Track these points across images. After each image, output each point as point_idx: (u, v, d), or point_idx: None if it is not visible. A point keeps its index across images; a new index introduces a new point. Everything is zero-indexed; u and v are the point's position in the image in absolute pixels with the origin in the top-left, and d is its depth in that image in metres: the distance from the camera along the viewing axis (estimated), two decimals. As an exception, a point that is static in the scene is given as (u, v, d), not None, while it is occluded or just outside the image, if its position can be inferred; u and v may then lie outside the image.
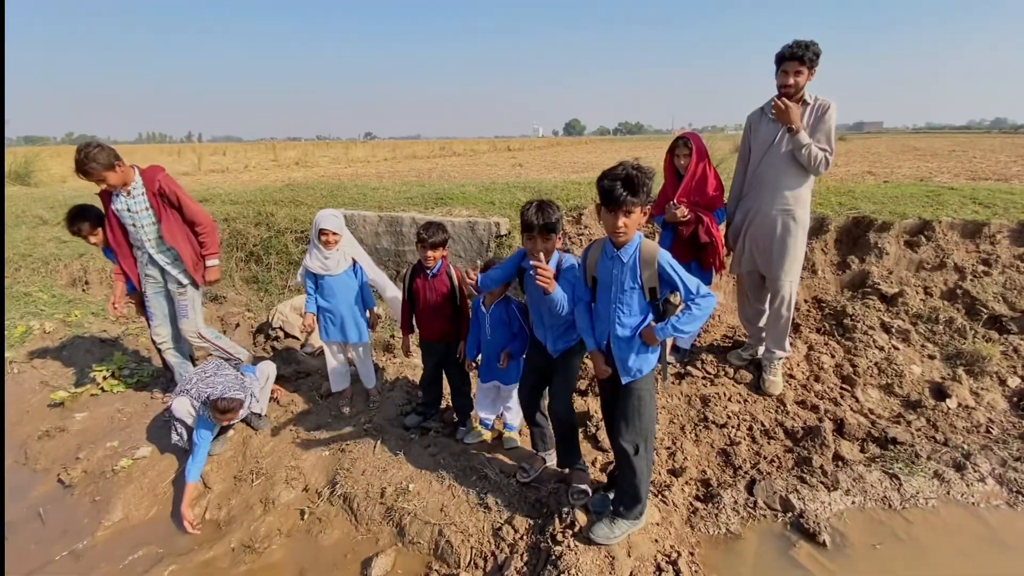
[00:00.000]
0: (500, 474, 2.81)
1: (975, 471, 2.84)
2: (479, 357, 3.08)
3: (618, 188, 1.90)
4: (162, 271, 3.35)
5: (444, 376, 3.33)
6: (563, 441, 2.65)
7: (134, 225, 3.22)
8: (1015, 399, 3.39)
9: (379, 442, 3.12)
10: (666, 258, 2.03)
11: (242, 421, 3.31)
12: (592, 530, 2.28)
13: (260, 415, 3.34)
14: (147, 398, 3.76)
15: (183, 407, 3.02)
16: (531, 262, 2.21)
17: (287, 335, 4.54)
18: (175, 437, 3.09)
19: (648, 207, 2.03)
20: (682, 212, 3.32)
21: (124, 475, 3.07)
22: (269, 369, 3.49)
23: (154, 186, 3.20)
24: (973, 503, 2.69)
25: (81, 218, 3.41)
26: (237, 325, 4.87)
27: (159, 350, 3.62)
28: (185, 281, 3.38)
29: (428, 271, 3.01)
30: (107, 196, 3.23)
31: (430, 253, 2.93)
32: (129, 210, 3.18)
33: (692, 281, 2.04)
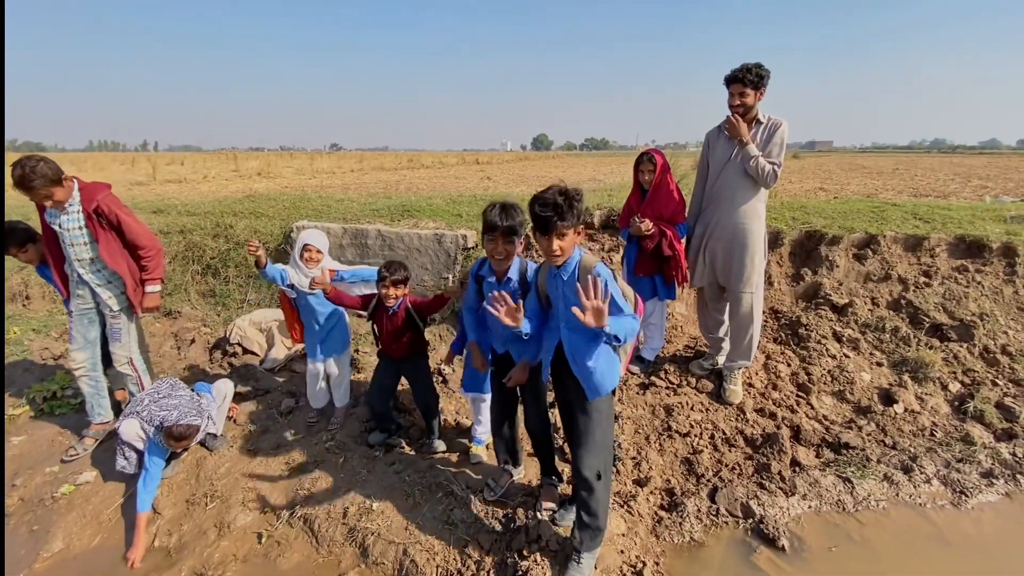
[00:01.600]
0: (467, 490, 2.77)
1: (921, 473, 2.98)
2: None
3: (548, 212, 1.91)
4: (93, 293, 3.13)
5: (396, 393, 3.31)
6: (539, 454, 2.65)
7: (65, 243, 3.00)
8: (956, 403, 3.58)
9: (342, 460, 3.04)
10: (604, 272, 2.04)
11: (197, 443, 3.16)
12: None
13: (216, 436, 3.20)
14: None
15: (132, 430, 2.85)
16: (487, 303, 2.16)
17: (245, 351, 4.38)
18: (121, 463, 2.91)
19: (581, 227, 2.05)
20: (646, 226, 3.41)
21: (65, 502, 2.90)
22: (226, 388, 3.35)
23: (91, 205, 2.97)
24: (920, 503, 2.82)
25: (10, 236, 3.19)
26: (192, 341, 4.67)
27: (73, 376, 3.36)
28: (117, 307, 3.17)
29: (388, 309, 2.98)
30: (41, 209, 3.00)
31: (392, 291, 2.89)
32: (60, 227, 2.96)
33: (621, 301, 2.02)
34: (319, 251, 3.18)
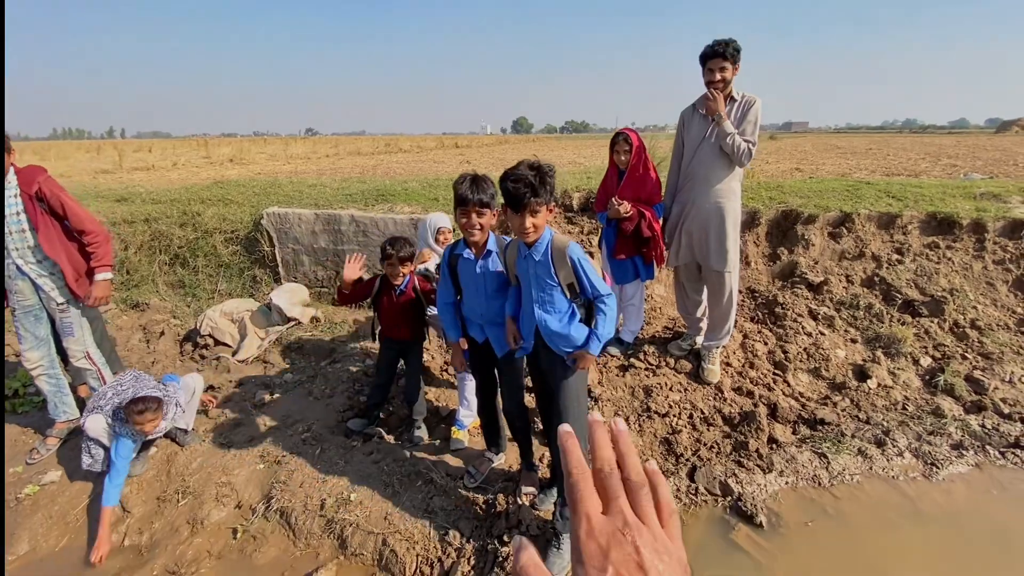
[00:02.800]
0: (446, 477, 2.74)
1: (894, 446, 3.04)
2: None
3: (520, 188, 1.87)
4: (34, 286, 2.93)
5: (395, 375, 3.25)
6: (517, 441, 2.63)
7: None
8: (927, 377, 3.66)
9: (319, 452, 2.97)
10: (577, 252, 2.03)
11: (167, 437, 3.06)
12: (549, 566, 2.23)
13: (187, 431, 3.10)
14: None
15: (97, 426, 2.74)
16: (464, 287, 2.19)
17: (217, 342, 4.26)
18: (87, 460, 2.80)
19: (554, 204, 2.01)
20: (625, 208, 3.36)
21: (30, 503, 2.78)
22: (195, 382, 3.22)
23: (31, 188, 2.76)
24: (893, 476, 2.88)
25: None
26: (162, 334, 4.52)
27: (32, 377, 3.18)
28: (61, 299, 2.97)
29: (395, 288, 2.91)
30: None
31: (400, 268, 2.84)
32: None
33: (597, 280, 2.05)
34: (451, 231, 3.28)
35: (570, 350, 2.12)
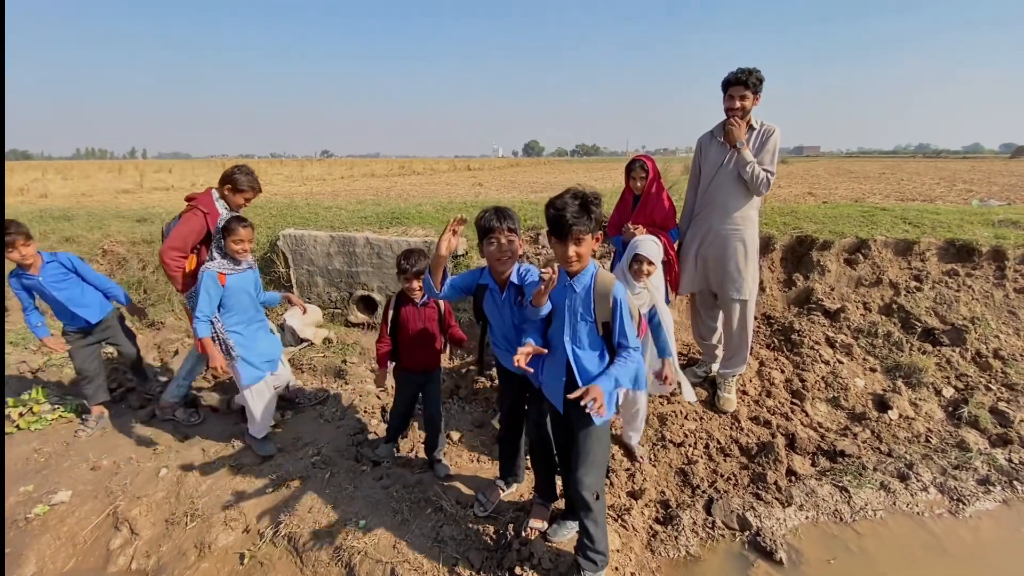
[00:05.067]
0: (456, 506, 2.69)
1: (918, 480, 2.94)
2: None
3: (567, 216, 1.85)
4: None
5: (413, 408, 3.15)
6: (536, 467, 2.57)
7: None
8: (950, 408, 3.56)
9: (328, 476, 2.95)
10: (621, 294, 1.99)
11: (289, 398, 3.49)
12: None
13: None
14: (70, 436, 3.44)
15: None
16: (540, 272, 2.09)
17: (231, 362, 4.27)
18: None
19: (599, 233, 1.99)
20: (640, 232, 3.35)
21: (39, 523, 2.78)
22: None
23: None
24: (918, 512, 2.78)
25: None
26: (176, 352, 4.56)
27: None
28: None
29: (415, 302, 2.83)
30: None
31: (416, 283, 2.75)
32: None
33: (631, 330, 2.00)
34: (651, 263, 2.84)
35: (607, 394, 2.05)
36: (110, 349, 3.97)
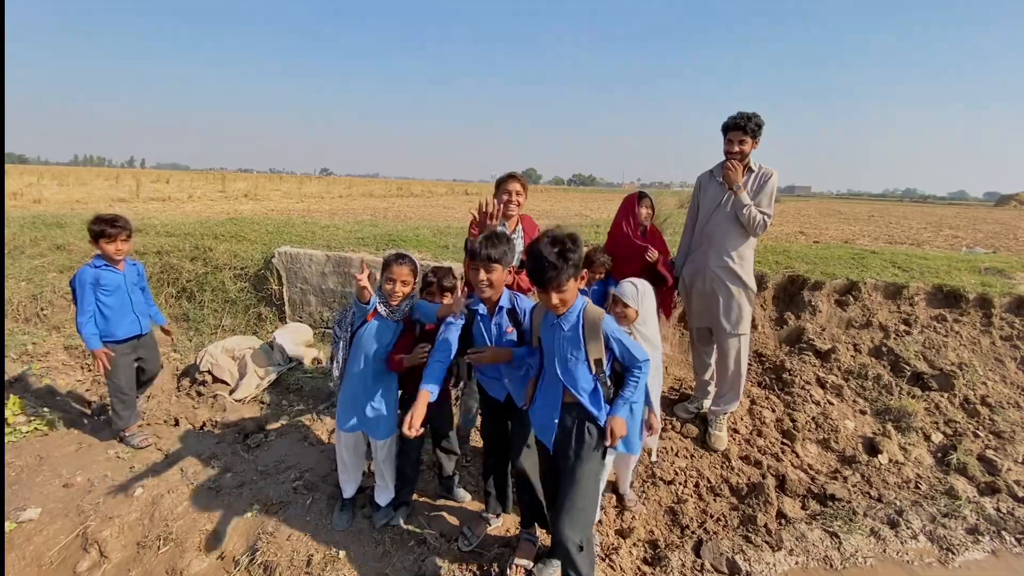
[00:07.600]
0: (440, 539, 2.62)
1: (907, 528, 2.91)
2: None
3: (543, 266, 1.82)
4: None
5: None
6: (522, 499, 2.49)
7: None
8: (939, 454, 3.55)
9: (309, 502, 2.87)
10: (611, 326, 1.98)
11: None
12: None
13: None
14: (44, 449, 3.34)
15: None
16: (468, 354, 2.14)
17: (215, 379, 4.20)
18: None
19: (584, 272, 1.97)
20: (652, 255, 3.34)
21: (4, 541, 2.66)
22: None
23: None
24: (908, 561, 2.74)
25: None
26: (160, 367, 4.47)
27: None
28: None
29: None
30: None
31: (440, 300, 2.69)
32: None
33: (634, 348, 1.99)
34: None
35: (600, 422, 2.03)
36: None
